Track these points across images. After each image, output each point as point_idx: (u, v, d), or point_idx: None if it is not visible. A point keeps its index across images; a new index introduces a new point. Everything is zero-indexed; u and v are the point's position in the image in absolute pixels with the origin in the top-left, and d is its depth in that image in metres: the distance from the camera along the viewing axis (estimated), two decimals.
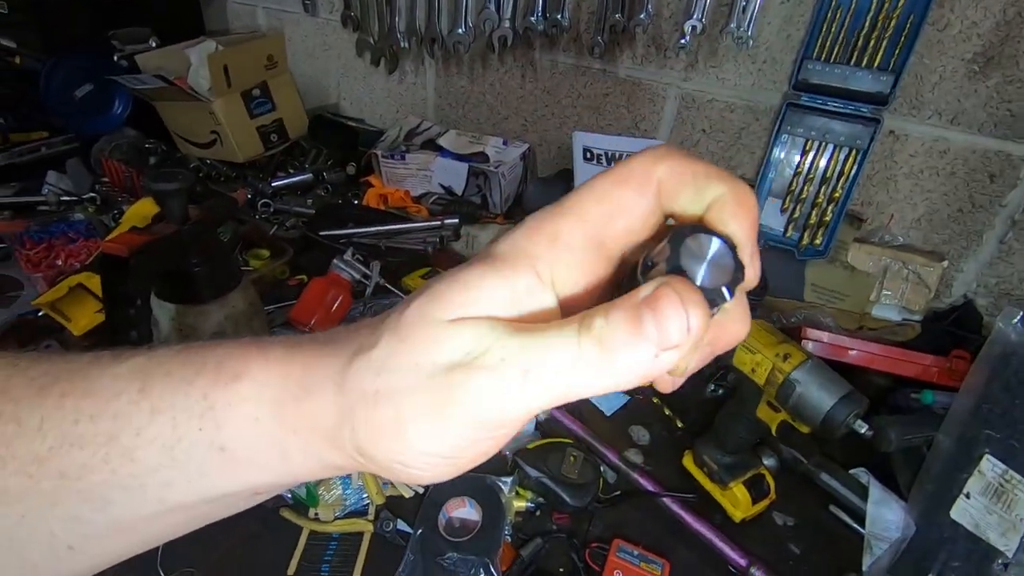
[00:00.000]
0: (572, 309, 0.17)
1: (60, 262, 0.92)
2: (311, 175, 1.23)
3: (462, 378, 0.16)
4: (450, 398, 0.17)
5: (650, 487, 0.67)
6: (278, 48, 1.27)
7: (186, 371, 0.20)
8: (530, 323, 0.17)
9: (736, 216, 0.17)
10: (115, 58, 1.23)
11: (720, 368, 0.81)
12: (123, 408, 0.19)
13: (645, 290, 0.15)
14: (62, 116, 1.19)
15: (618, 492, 0.68)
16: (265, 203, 1.13)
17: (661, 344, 0.15)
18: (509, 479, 0.64)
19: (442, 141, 1.21)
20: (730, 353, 0.63)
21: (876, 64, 0.82)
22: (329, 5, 1.32)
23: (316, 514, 0.62)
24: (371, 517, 0.63)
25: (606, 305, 0.16)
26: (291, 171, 1.27)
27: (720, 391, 0.81)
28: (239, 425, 0.19)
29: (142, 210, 0.91)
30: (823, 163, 0.90)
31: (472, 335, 0.17)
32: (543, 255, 0.18)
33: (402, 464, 0.18)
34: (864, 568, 0.62)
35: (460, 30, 1.07)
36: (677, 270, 0.16)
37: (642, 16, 0.94)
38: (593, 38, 1.00)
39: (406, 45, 1.16)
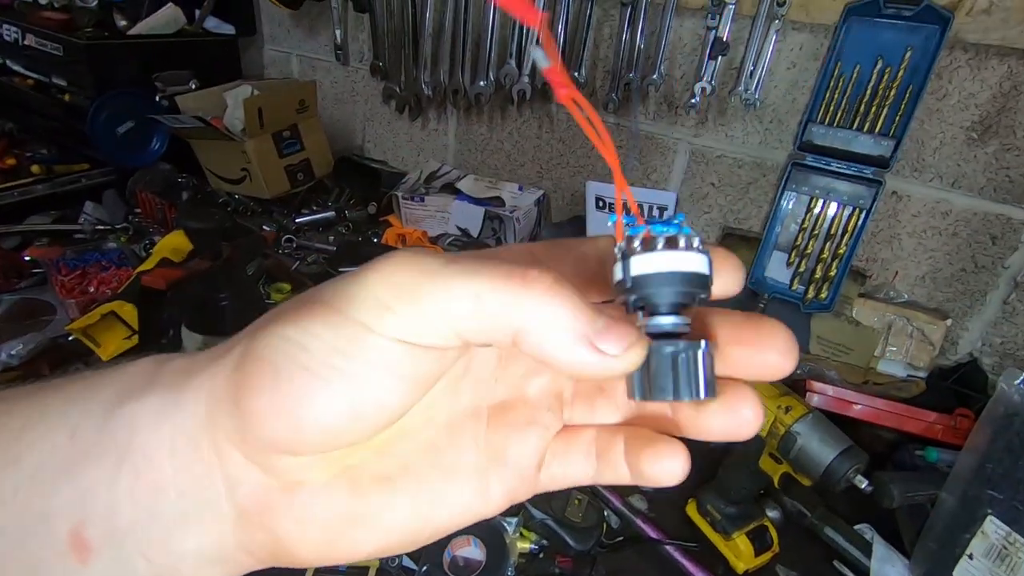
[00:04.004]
0: None
1: (92, 289, 0.96)
2: (334, 212, 1.28)
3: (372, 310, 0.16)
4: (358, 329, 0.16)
5: (653, 534, 0.68)
6: (310, 94, 1.35)
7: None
8: None
9: None
10: (157, 98, 1.31)
11: None
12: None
13: None
14: (103, 150, 1.25)
15: (621, 538, 0.68)
16: (288, 239, 1.18)
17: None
18: (514, 520, 0.65)
19: (460, 185, 1.26)
20: None
21: (877, 129, 0.85)
22: (359, 55, 1.40)
23: None
24: None
25: None
26: (315, 208, 1.32)
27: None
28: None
29: (173, 242, 0.95)
30: (827, 220, 0.93)
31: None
32: None
33: (291, 438, 0.16)
34: None
35: (482, 83, 1.14)
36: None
37: (655, 77, 0.99)
38: (608, 94, 1.05)
39: (430, 94, 1.22)
